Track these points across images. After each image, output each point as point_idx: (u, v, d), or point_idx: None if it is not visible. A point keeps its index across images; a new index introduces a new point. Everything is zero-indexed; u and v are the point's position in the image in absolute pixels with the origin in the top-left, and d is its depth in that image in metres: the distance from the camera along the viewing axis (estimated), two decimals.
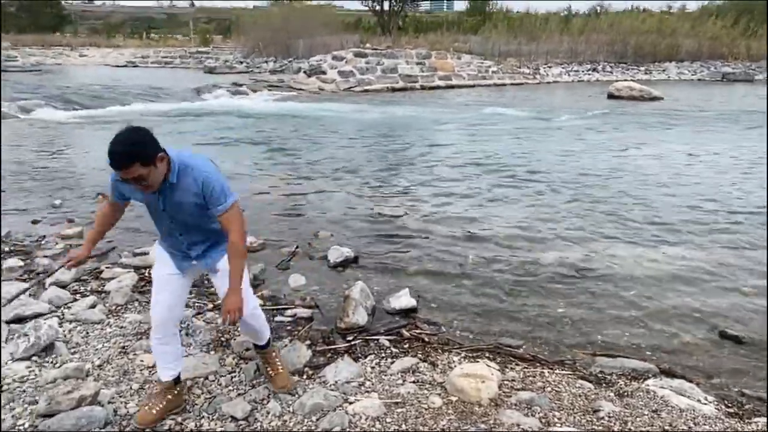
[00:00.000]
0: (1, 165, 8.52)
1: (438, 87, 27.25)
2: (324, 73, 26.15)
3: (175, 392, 2.87)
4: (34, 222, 6.38)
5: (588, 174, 9.20)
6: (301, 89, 24.29)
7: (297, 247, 5.62)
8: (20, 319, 3.80)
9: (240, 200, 2.75)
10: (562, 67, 34.38)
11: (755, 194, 7.93)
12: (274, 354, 3.18)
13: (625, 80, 26.93)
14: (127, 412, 2.88)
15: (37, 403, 2.85)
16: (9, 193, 7.53)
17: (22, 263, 4.98)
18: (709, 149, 11.56)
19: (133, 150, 2.33)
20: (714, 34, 38.71)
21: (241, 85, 23.30)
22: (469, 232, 6.29)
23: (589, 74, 33.78)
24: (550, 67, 34.15)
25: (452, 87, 27.59)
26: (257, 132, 13.42)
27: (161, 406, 2.79)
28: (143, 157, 2.34)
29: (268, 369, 3.13)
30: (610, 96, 22.75)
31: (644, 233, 6.30)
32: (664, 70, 35.70)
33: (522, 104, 20.09)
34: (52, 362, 3.34)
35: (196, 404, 2.97)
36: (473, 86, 28.12)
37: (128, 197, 2.71)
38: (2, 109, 14.75)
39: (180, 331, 3.17)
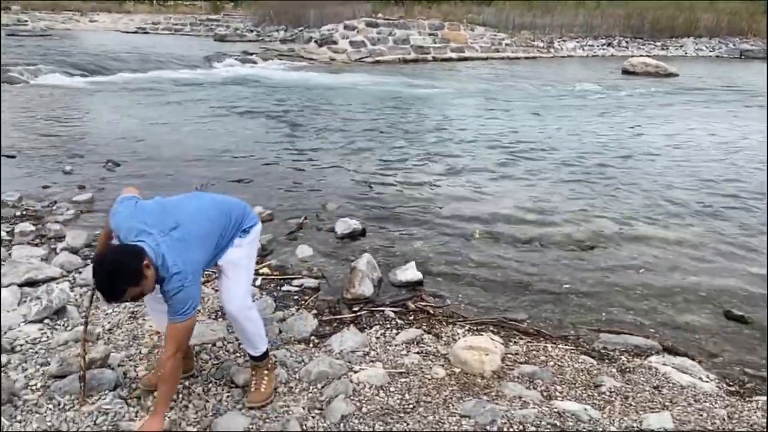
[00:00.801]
0: (1, 131, 8.51)
1: (450, 59, 26.89)
2: (335, 42, 25.85)
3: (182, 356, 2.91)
4: (45, 187, 6.43)
5: (599, 151, 9.13)
6: (311, 59, 24.07)
7: (305, 218, 5.65)
8: (33, 283, 3.87)
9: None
10: (577, 42, 33.79)
11: None
12: (266, 371, 2.84)
13: (641, 56, 26.46)
14: (137, 375, 2.94)
15: (49, 364, 2.92)
16: (20, 158, 7.58)
17: (33, 228, 5.04)
18: (723, 128, 11.41)
19: (118, 280, 2.23)
20: (733, 9, 37.79)
21: (251, 54, 23.11)
22: (478, 207, 6.29)
23: (603, 49, 33.20)
24: (564, 41, 33.58)
25: (465, 59, 27.22)
26: (267, 102, 13.37)
27: None
28: (130, 280, 2.24)
29: (252, 381, 2.83)
30: (625, 71, 22.40)
31: (654, 212, 6.27)
32: (681, 46, 35.00)
33: (534, 78, 19.85)
34: (63, 325, 3.40)
35: (204, 369, 3.03)
36: (486, 59, 27.74)
37: None
38: (13, 74, 14.76)
39: None
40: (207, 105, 12.65)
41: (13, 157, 7.57)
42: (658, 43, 34.88)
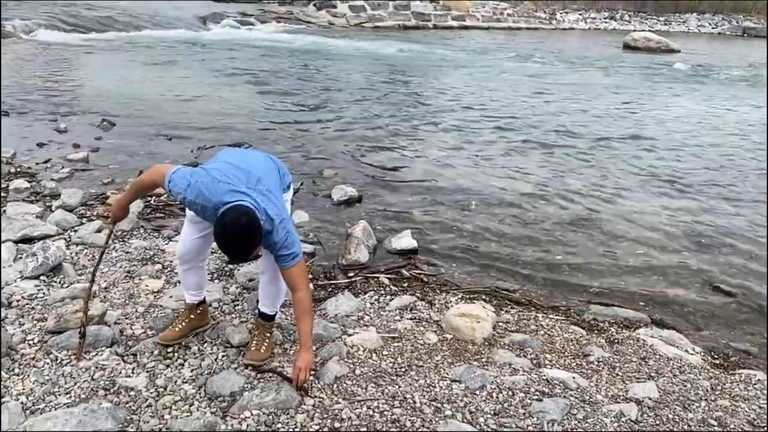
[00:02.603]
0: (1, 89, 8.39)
1: (451, 27, 26.58)
2: (334, 6, 25.46)
3: (198, 312, 2.97)
4: (40, 145, 6.37)
5: (596, 128, 9.12)
6: (310, 22, 23.74)
7: (301, 184, 5.64)
8: (28, 239, 3.87)
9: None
10: (579, 14, 33.44)
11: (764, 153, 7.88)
12: (268, 334, 2.87)
13: (643, 30, 26.23)
14: (133, 333, 2.98)
15: (46, 320, 2.94)
16: (14, 116, 7.49)
17: (28, 185, 5.02)
18: (718, 106, 11.40)
19: (248, 241, 2.33)
20: None
21: (249, 16, 22.76)
22: (474, 178, 6.30)
23: (606, 22, 32.89)
24: (567, 13, 33.20)
25: (465, 28, 26.91)
26: (264, 66, 13.21)
27: (183, 325, 2.92)
28: (257, 237, 2.35)
29: (254, 340, 2.85)
30: (626, 46, 22.25)
31: (648, 188, 6.30)
32: (684, 22, 34.71)
33: (535, 52, 19.66)
34: (59, 282, 3.42)
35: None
36: (487, 29, 27.43)
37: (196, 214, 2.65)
38: (4, 29, 14.49)
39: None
40: (202, 67, 12.49)
41: (6, 114, 7.48)
42: (662, 18, 34.57)
